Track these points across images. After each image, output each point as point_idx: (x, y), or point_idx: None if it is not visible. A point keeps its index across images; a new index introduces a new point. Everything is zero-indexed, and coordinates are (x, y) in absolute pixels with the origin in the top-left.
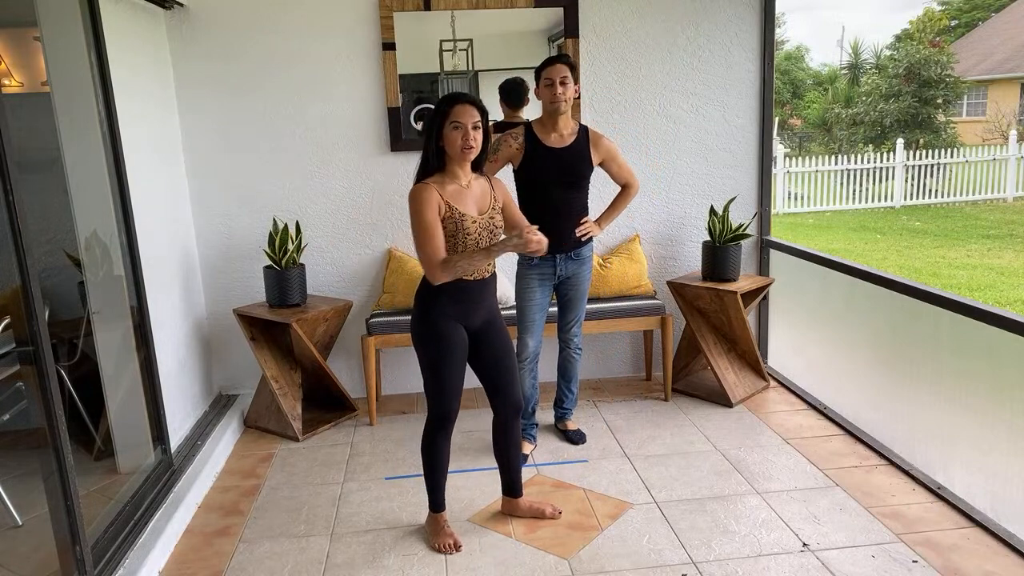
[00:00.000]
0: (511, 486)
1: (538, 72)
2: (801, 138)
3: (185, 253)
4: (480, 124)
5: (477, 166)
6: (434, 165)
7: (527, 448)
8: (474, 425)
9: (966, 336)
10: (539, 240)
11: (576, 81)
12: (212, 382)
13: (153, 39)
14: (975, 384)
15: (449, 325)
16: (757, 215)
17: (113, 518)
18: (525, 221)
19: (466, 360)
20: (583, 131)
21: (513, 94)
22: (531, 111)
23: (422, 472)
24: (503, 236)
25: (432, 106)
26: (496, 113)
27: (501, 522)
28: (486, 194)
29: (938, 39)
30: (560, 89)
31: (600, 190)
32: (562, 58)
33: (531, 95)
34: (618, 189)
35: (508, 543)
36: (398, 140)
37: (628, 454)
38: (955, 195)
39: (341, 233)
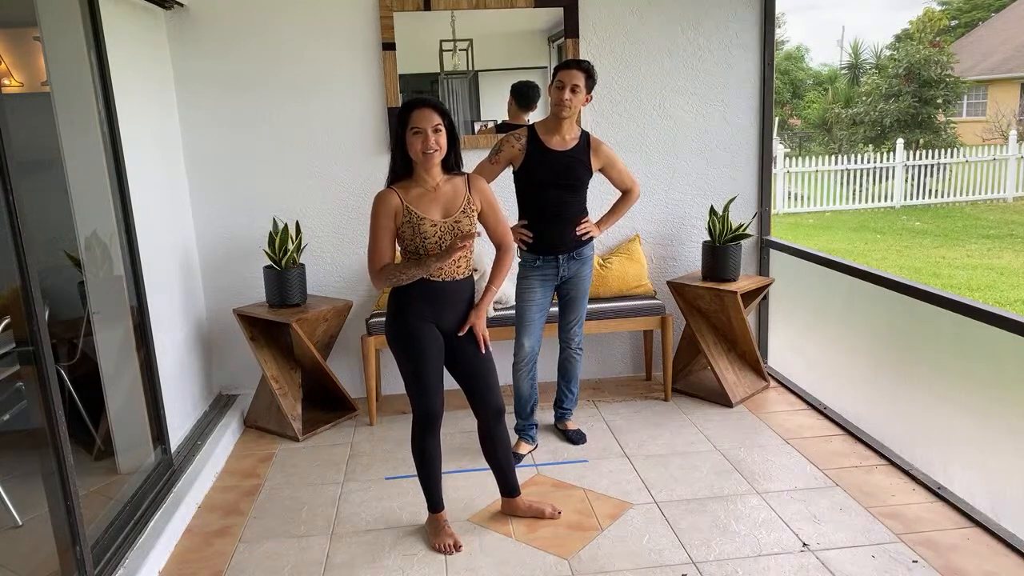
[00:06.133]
0: (508, 487)
1: (555, 69)
2: (801, 138)
3: (185, 253)
4: (441, 126)
5: (451, 167)
6: (400, 172)
7: (525, 449)
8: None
9: (966, 336)
10: (462, 246)
11: (589, 90)
12: (212, 382)
13: (153, 39)
14: (975, 384)
15: (420, 324)
16: (757, 215)
17: (113, 518)
18: (504, 227)
19: (443, 359)
20: (584, 137)
21: (523, 96)
22: (537, 116)
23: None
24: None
25: None
26: (500, 113)
27: (501, 522)
28: (458, 198)
29: (938, 39)
30: (568, 95)
31: (601, 195)
32: (582, 64)
33: (540, 102)
34: (619, 194)
35: (508, 543)
36: None
37: (628, 454)
38: (955, 195)
39: (341, 233)
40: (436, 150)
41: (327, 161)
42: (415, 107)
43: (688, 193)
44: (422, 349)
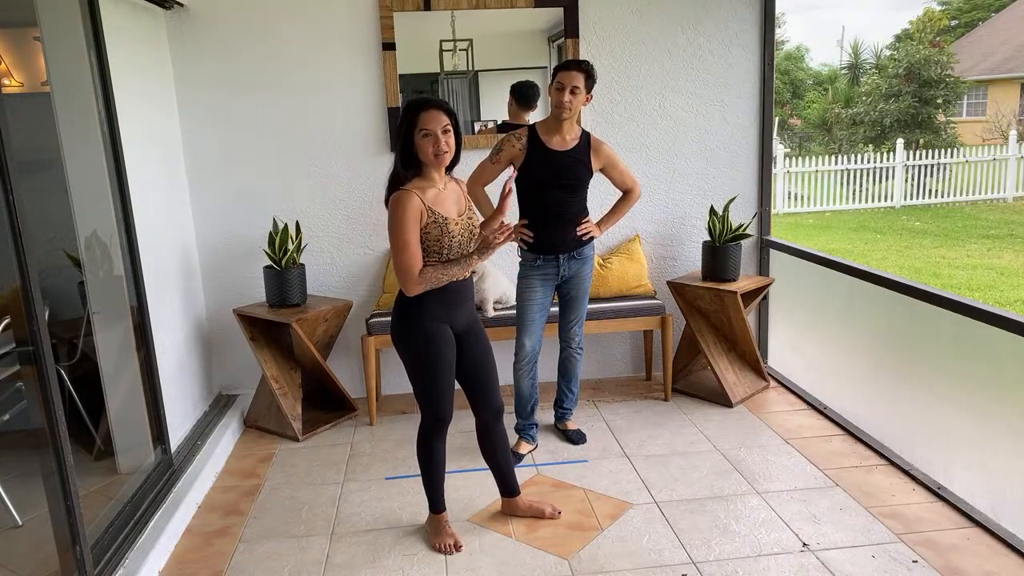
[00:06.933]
0: (507, 486)
1: (555, 71)
2: (801, 138)
3: (185, 253)
4: (450, 127)
5: (449, 167)
6: (407, 173)
7: (525, 448)
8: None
9: (966, 336)
10: (503, 229)
11: (589, 90)
12: (212, 382)
13: (153, 39)
14: (975, 384)
15: (436, 325)
16: (757, 215)
17: (113, 518)
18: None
19: (455, 360)
20: (585, 137)
21: (523, 96)
22: (537, 116)
23: (420, 475)
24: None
25: None
26: (500, 114)
27: (501, 522)
28: (460, 195)
29: (938, 39)
30: (568, 97)
31: (602, 195)
32: (581, 65)
33: (540, 102)
34: (619, 195)
35: (508, 543)
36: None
37: (628, 454)
38: (955, 195)
39: (341, 233)
40: (447, 151)
41: (327, 161)
42: (423, 108)
43: (688, 193)
44: (439, 351)
